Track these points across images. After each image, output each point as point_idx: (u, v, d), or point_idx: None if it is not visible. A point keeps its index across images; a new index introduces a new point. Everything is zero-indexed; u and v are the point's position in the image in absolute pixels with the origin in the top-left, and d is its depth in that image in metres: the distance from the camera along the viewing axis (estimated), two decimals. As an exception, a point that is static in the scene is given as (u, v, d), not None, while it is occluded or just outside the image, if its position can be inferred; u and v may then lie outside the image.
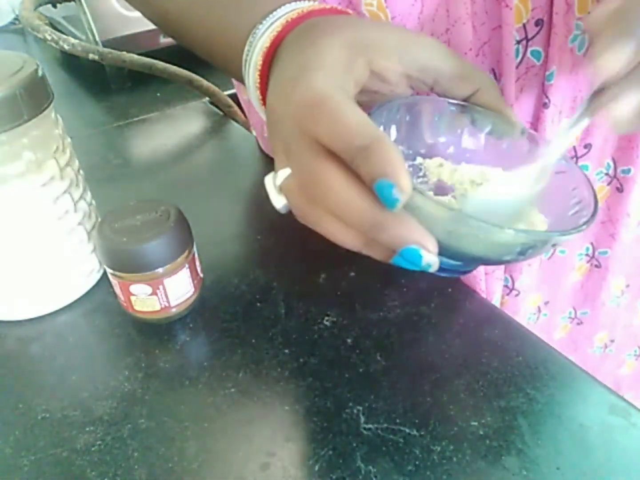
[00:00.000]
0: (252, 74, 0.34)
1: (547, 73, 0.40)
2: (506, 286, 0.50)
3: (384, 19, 0.38)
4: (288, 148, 0.28)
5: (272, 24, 0.33)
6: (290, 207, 0.29)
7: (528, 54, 0.39)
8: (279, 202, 0.29)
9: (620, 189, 0.46)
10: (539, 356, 0.36)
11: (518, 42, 0.39)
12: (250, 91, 0.35)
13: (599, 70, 0.27)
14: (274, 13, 0.33)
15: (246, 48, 0.34)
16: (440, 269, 0.32)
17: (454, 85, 0.32)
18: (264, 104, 0.34)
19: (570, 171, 0.34)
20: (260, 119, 0.58)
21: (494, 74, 0.41)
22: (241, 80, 0.36)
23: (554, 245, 0.30)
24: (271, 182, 0.29)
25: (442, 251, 0.26)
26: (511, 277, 0.49)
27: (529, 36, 0.39)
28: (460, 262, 0.34)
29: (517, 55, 0.39)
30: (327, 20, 0.31)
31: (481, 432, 0.32)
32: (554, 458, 0.31)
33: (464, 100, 0.33)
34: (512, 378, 0.35)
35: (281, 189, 0.29)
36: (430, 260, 0.25)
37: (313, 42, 0.29)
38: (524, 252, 0.29)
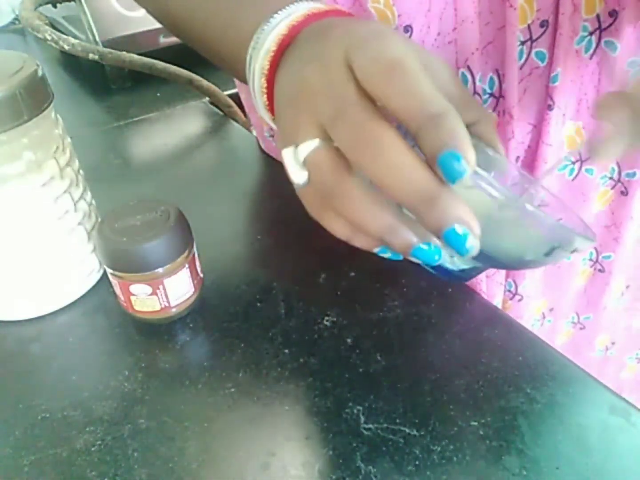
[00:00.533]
0: (260, 60, 0.32)
1: (552, 75, 0.39)
2: (509, 291, 0.50)
3: (390, 17, 0.38)
4: (337, 113, 0.25)
5: (291, 14, 0.31)
6: (313, 181, 0.27)
7: (532, 55, 0.39)
8: (300, 176, 0.27)
9: (624, 192, 0.46)
10: (539, 356, 0.36)
11: (522, 43, 0.39)
12: (253, 80, 0.33)
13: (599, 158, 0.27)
14: (286, 9, 0.31)
15: (255, 36, 0.32)
16: (444, 271, 0.32)
17: (459, 112, 0.32)
18: (268, 93, 0.33)
19: (553, 204, 0.34)
20: (260, 118, 0.58)
21: (498, 75, 0.41)
22: (244, 79, 0.35)
23: (573, 251, 0.29)
24: (291, 156, 0.28)
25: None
26: (514, 282, 0.49)
27: (534, 37, 0.38)
28: (477, 259, 0.33)
29: (521, 56, 0.39)
30: (343, 19, 0.30)
31: (481, 432, 0.32)
32: (554, 458, 0.31)
33: None
34: (512, 378, 0.35)
35: (305, 162, 0.27)
36: (474, 243, 0.24)
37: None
38: (550, 252, 0.28)
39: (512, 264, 0.34)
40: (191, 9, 0.38)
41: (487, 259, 0.31)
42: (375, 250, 0.27)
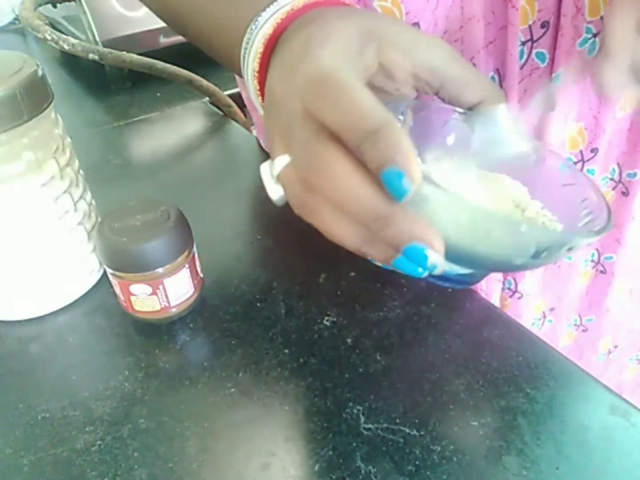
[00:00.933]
0: (251, 63, 0.32)
1: (553, 75, 0.39)
2: (509, 289, 0.50)
3: (397, 15, 0.38)
4: (289, 130, 0.26)
5: (276, 12, 0.31)
6: (287, 197, 0.27)
7: (533, 55, 0.39)
8: (275, 192, 0.27)
9: (625, 193, 0.46)
10: (539, 356, 0.36)
11: (523, 44, 0.38)
12: (248, 80, 0.34)
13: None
14: (274, 4, 0.31)
15: (246, 37, 0.32)
16: (443, 278, 0.31)
17: (461, 91, 0.31)
18: (262, 94, 0.33)
19: (578, 182, 0.33)
20: (261, 116, 0.58)
21: (498, 74, 0.41)
22: (240, 72, 0.35)
23: (569, 249, 0.27)
24: (268, 171, 0.27)
25: (448, 253, 0.24)
26: (514, 279, 0.49)
27: (534, 38, 0.38)
28: (465, 266, 0.32)
29: (521, 57, 0.39)
30: (337, 8, 0.30)
31: (481, 432, 0.32)
32: (554, 458, 0.31)
33: (469, 108, 0.32)
34: (512, 378, 0.35)
35: (279, 178, 0.26)
36: (436, 260, 0.23)
37: (323, 23, 0.27)
38: (538, 255, 0.26)
39: (502, 269, 0.33)
40: (188, 4, 0.38)
41: (474, 266, 0.31)
42: (390, 263, 0.26)
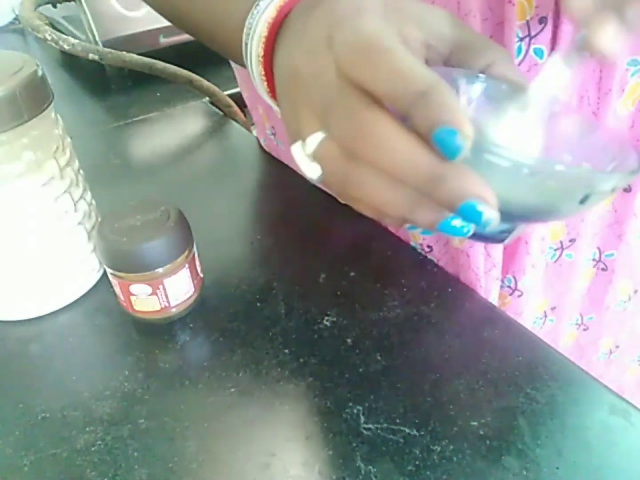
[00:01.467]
0: (255, 48, 0.32)
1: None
2: (509, 287, 0.50)
3: None
4: (324, 105, 0.25)
5: (270, 2, 0.30)
6: (326, 174, 0.26)
7: (531, 51, 0.39)
8: (313, 171, 0.27)
9: (627, 190, 0.46)
10: (539, 356, 0.36)
11: (521, 39, 0.38)
12: (251, 66, 0.33)
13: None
14: None
15: (248, 22, 0.32)
16: (481, 236, 0.30)
17: (469, 56, 0.30)
18: (267, 80, 0.32)
19: (594, 130, 0.32)
20: (262, 116, 0.58)
21: None
22: (242, 61, 0.34)
23: (612, 190, 0.27)
24: (300, 151, 0.27)
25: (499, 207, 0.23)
26: (514, 277, 0.49)
27: (532, 33, 0.38)
28: (511, 220, 0.31)
29: (519, 52, 0.39)
30: None
31: (481, 432, 0.32)
32: (554, 458, 0.31)
33: (481, 72, 0.31)
34: (512, 378, 0.35)
35: (314, 156, 0.26)
36: (492, 215, 0.23)
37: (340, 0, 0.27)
38: (585, 199, 0.26)
39: (548, 219, 0.32)
40: None
41: (520, 219, 0.30)
42: (406, 226, 0.26)
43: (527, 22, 0.38)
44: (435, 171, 0.23)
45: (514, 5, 0.36)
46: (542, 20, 0.38)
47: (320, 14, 0.27)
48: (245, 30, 0.32)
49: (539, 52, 0.39)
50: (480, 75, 0.31)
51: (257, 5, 0.31)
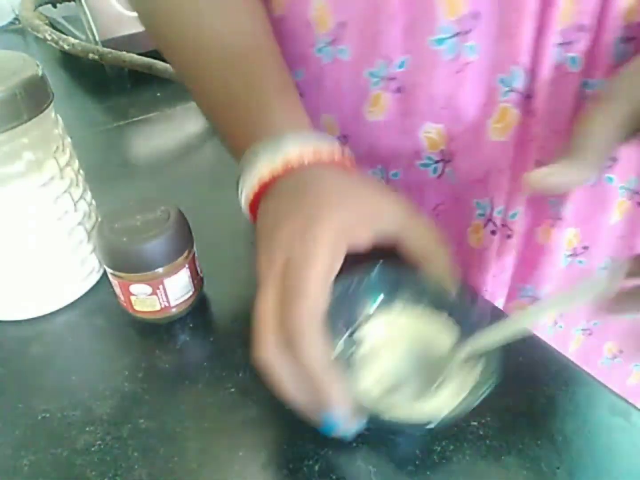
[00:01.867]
0: (245, 190, 0.35)
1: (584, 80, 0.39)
2: (530, 296, 0.50)
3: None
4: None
5: (275, 153, 0.33)
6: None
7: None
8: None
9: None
10: (539, 356, 0.36)
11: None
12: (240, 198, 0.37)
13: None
14: (277, 143, 0.34)
15: (245, 157, 0.35)
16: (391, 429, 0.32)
17: (409, 253, 0.32)
18: (251, 213, 0.36)
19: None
20: None
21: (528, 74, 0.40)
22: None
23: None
24: None
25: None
26: (535, 287, 0.49)
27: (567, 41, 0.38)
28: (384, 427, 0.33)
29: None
30: (318, 188, 0.32)
31: (481, 432, 0.32)
32: (554, 458, 0.31)
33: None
34: (512, 378, 0.35)
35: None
36: (346, 431, 0.28)
37: (308, 216, 0.30)
38: (430, 422, 0.29)
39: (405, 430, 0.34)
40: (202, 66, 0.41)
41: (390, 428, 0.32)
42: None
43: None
44: (321, 376, 0.27)
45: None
46: (582, 28, 0.37)
47: (292, 209, 0.31)
48: (241, 164, 0.36)
49: (573, 61, 0.38)
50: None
51: (255, 155, 0.34)
